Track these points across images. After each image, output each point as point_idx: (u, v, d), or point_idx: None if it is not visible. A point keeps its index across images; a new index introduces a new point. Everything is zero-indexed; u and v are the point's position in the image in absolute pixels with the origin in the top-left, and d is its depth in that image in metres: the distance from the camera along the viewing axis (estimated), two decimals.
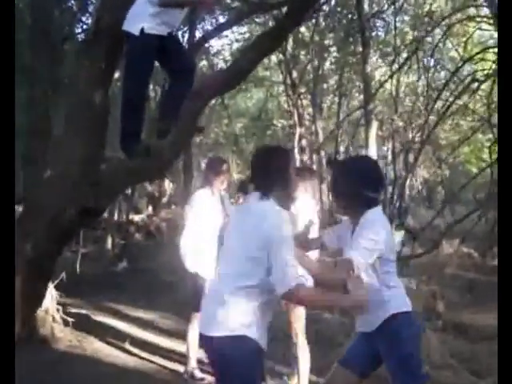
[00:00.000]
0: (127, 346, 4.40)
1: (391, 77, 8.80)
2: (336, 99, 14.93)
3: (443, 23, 8.16)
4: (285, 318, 3.39)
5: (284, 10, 9.70)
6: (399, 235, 9.27)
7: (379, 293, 2.23)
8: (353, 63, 12.30)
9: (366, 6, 9.33)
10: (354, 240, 2.25)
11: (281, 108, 17.74)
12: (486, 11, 8.38)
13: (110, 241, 9.17)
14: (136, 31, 2.97)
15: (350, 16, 10.82)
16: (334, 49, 13.11)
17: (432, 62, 10.64)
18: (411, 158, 9.99)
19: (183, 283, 4.68)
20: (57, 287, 4.57)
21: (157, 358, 4.15)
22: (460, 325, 4.81)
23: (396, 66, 9.57)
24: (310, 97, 13.83)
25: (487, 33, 10.06)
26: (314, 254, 2.89)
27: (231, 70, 2.97)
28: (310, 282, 3.21)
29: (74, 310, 4.98)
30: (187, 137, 2.94)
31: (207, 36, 7.47)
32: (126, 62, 3.22)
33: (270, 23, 11.69)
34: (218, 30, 7.53)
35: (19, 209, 3.95)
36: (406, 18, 11.49)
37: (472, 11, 9.18)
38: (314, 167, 11.67)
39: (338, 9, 10.91)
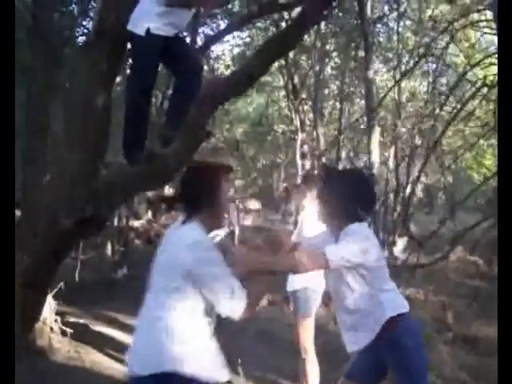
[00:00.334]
0: (126, 357, 4.25)
1: (397, 82, 8.72)
2: (337, 105, 14.86)
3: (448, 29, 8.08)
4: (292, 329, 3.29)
5: (287, 13, 9.77)
6: (402, 242, 9.19)
7: (373, 298, 2.22)
8: (354, 68, 12.24)
9: (368, 11, 9.25)
10: (337, 245, 2.24)
11: (281, 113, 17.69)
12: (489, 16, 8.33)
13: (109, 247, 9.05)
14: (141, 31, 2.86)
15: (352, 21, 10.78)
16: (335, 54, 13.08)
17: (435, 67, 10.54)
18: (414, 163, 9.88)
19: None
20: (55, 296, 4.45)
21: None
22: (469, 337, 4.72)
23: (398, 71, 9.49)
24: (312, 102, 13.76)
25: (490, 37, 9.99)
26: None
27: (239, 73, 2.84)
28: (318, 285, 3.11)
29: (72, 320, 4.85)
30: (194, 144, 2.78)
31: (209, 42, 7.39)
32: (131, 63, 3.10)
33: (271, 28, 11.69)
34: (220, 34, 7.45)
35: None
36: (408, 22, 11.43)
37: (475, 17, 9.11)
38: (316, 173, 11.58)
39: (340, 14, 10.85)
